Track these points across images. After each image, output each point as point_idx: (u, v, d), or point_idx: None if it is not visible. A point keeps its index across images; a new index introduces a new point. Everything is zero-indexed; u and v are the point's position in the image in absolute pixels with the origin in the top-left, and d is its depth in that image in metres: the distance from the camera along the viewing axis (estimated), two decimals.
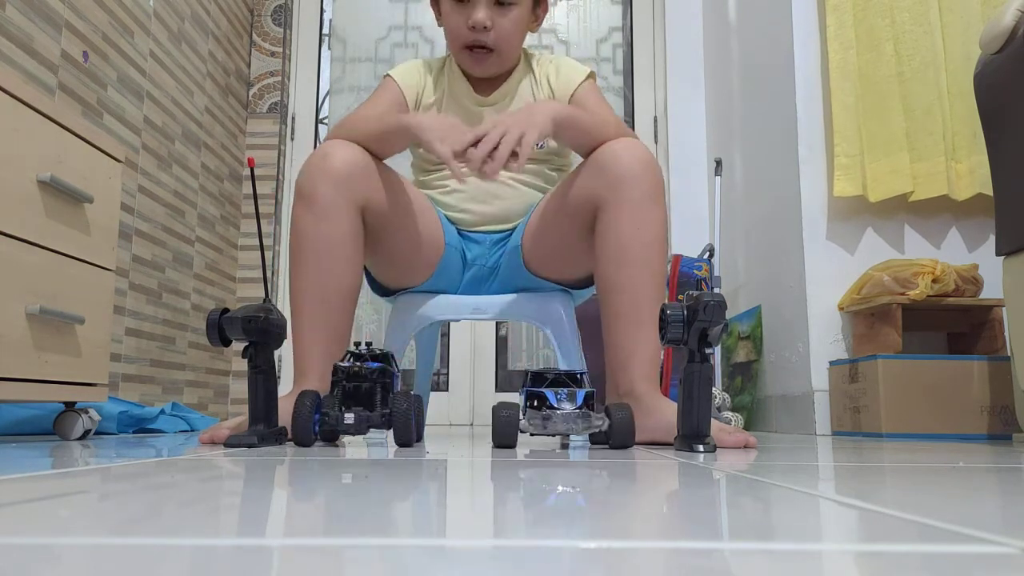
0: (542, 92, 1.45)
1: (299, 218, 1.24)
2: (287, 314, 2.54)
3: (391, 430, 1.03)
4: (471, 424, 2.92)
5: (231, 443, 0.99)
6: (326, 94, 3.18)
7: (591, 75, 1.44)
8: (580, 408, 1.01)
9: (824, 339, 2.10)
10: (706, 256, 2.44)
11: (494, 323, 3.03)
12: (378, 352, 1.06)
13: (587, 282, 1.46)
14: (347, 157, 1.24)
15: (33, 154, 1.15)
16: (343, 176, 1.23)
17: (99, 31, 1.92)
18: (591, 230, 1.29)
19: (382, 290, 1.50)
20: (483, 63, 1.40)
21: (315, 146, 3.13)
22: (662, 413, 1.15)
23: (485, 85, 1.45)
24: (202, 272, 2.57)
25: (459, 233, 1.45)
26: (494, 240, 1.45)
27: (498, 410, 1.01)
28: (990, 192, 1.87)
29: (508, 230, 1.45)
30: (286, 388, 1.27)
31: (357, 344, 1.07)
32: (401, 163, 1.45)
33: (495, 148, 1.16)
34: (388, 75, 1.44)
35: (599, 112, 1.36)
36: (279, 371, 2.68)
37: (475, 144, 1.18)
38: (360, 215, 1.26)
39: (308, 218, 1.23)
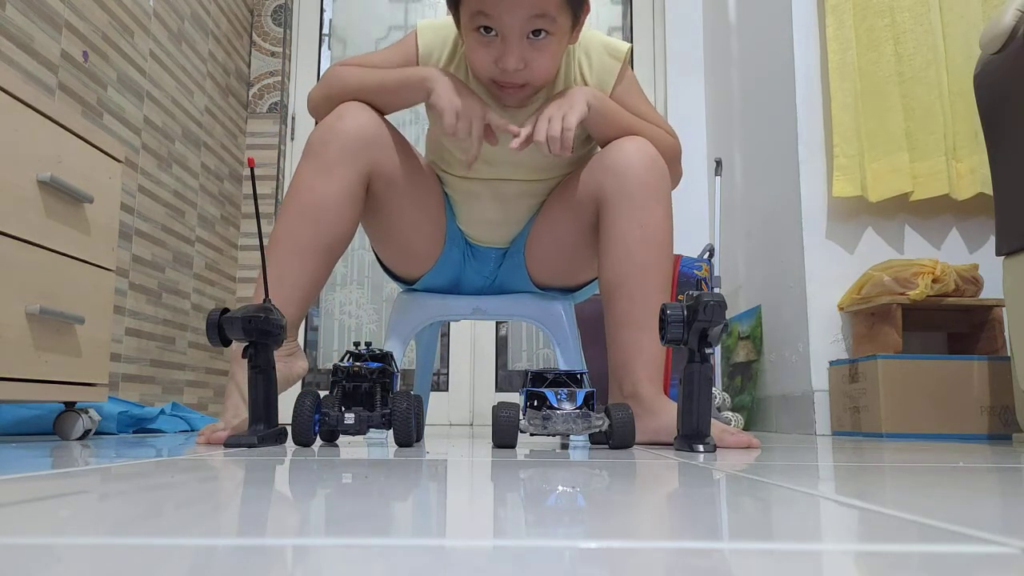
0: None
1: (299, 171, 1.22)
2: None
3: (391, 430, 1.03)
4: (471, 424, 2.92)
5: (231, 443, 0.99)
6: None
7: (626, 60, 1.31)
8: (580, 408, 1.01)
9: (824, 339, 2.10)
10: (706, 256, 2.44)
11: (494, 323, 3.03)
12: (378, 352, 1.06)
13: (583, 285, 1.46)
14: (361, 121, 1.21)
15: (33, 154, 1.15)
16: (353, 138, 1.20)
17: (99, 31, 1.92)
18: (594, 229, 1.28)
19: (396, 277, 1.48)
20: (514, 98, 1.24)
21: None
22: (665, 414, 1.15)
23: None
24: (202, 272, 2.57)
25: (466, 242, 1.44)
26: (498, 253, 1.44)
27: (498, 410, 1.01)
28: (991, 191, 1.87)
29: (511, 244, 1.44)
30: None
31: (357, 344, 1.07)
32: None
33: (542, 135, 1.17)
34: (416, 33, 1.31)
35: (637, 109, 1.29)
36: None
37: (487, 138, 1.21)
38: (363, 180, 1.23)
39: (307, 171, 1.20)
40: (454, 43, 1.29)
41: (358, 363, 1.05)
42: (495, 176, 1.34)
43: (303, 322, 1.29)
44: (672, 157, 1.29)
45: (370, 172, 1.23)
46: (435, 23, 1.31)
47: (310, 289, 1.22)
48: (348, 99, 1.25)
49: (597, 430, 1.01)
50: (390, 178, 1.26)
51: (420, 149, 1.40)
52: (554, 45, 1.18)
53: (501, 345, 3.06)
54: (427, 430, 1.87)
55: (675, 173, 1.31)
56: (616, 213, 1.22)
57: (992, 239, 1.88)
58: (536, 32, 1.15)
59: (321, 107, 1.28)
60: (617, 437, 1.02)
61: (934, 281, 1.90)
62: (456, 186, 1.38)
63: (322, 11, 3.21)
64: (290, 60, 3.11)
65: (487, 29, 1.15)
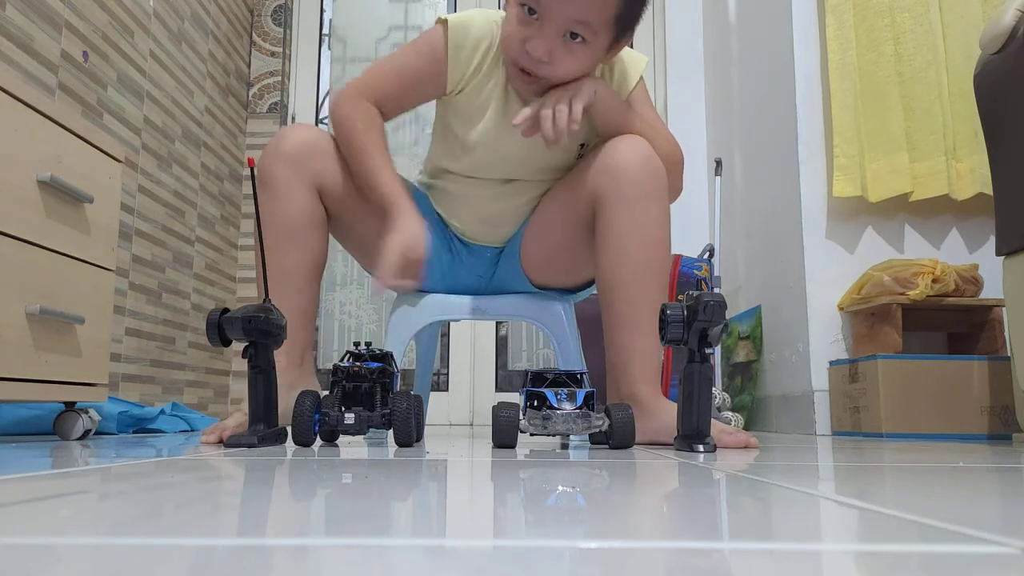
0: None
1: (259, 203, 1.23)
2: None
3: (391, 430, 1.03)
4: (471, 424, 2.92)
5: (231, 443, 0.99)
6: (326, 94, 3.18)
7: (643, 71, 1.35)
8: (580, 408, 1.01)
9: (824, 339, 2.10)
10: (706, 256, 2.44)
11: (494, 323, 3.03)
12: (378, 352, 1.06)
13: (585, 285, 1.46)
14: (300, 138, 1.25)
15: (33, 154, 1.15)
16: (294, 156, 1.23)
17: (99, 31, 1.92)
18: (590, 229, 1.28)
19: None
20: (530, 87, 1.24)
21: None
22: (663, 415, 1.15)
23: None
24: (202, 272, 2.57)
25: (459, 240, 1.43)
26: (494, 252, 1.44)
27: (498, 410, 1.01)
28: (991, 191, 1.87)
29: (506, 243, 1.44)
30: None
31: (357, 344, 1.07)
32: (402, 160, 1.40)
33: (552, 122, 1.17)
34: (447, 30, 1.26)
35: (645, 116, 1.30)
36: None
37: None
38: (315, 194, 1.26)
39: (265, 199, 1.23)
40: (488, 40, 1.28)
41: (358, 363, 1.05)
42: (500, 176, 1.35)
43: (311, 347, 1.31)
44: (672, 166, 1.28)
45: (318, 184, 1.26)
46: (464, 19, 1.29)
47: (309, 310, 1.25)
48: (343, 148, 1.26)
49: (597, 430, 1.01)
50: (341, 186, 1.27)
51: (421, 149, 1.39)
52: (583, 54, 1.19)
53: (501, 345, 3.06)
54: (427, 430, 1.87)
55: (675, 186, 1.30)
56: (611, 213, 1.21)
57: (992, 239, 1.88)
58: (574, 35, 1.17)
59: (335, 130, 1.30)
60: (617, 437, 1.02)
61: (934, 281, 1.90)
62: (459, 183, 1.37)
63: (322, 11, 3.21)
64: (290, 60, 3.11)
65: (531, 10, 1.16)
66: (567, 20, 1.15)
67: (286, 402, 1.15)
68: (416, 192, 1.40)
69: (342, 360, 1.06)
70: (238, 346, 1.02)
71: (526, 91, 1.26)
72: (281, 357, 1.19)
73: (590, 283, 1.45)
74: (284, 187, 1.23)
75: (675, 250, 2.80)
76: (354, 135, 1.25)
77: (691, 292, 0.99)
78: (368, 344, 1.07)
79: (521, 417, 1.02)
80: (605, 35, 1.19)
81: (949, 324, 2.04)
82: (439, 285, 1.45)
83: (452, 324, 2.96)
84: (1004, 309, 1.69)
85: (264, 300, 1.03)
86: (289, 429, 1.12)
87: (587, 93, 1.20)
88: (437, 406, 2.92)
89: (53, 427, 1.30)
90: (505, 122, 1.27)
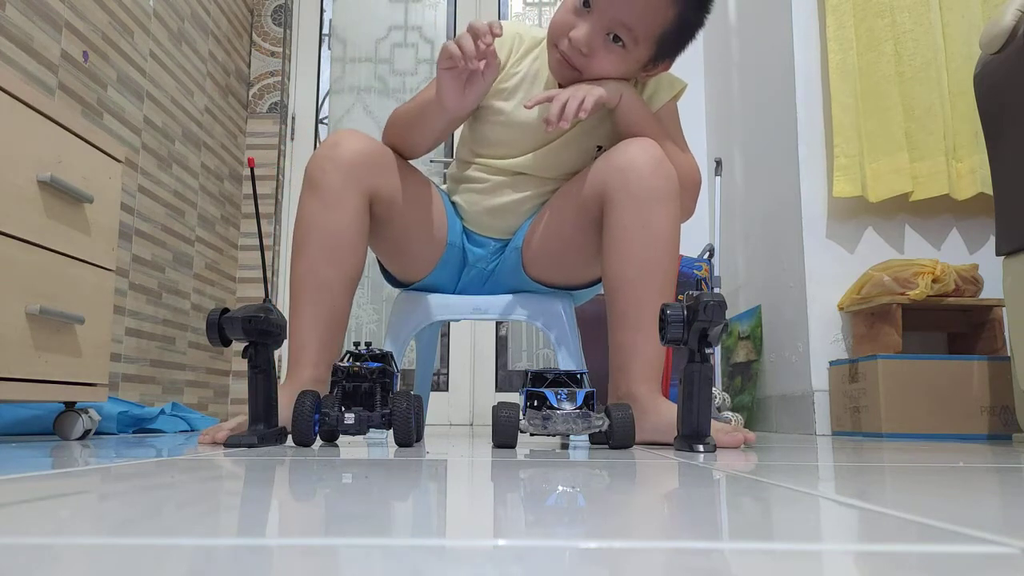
0: None
1: (305, 205, 1.25)
2: (286, 306, 2.54)
3: (391, 430, 1.03)
4: (471, 424, 2.92)
5: (231, 443, 0.99)
6: (326, 94, 3.18)
7: (677, 95, 1.37)
8: (580, 408, 1.01)
9: (824, 339, 2.10)
10: (706, 256, 2.44)
11: (494, 323, 3.03)
12: (378, 352, 1.06)
13: (588, 284, 1.46)
14: (356, 147, 1.26)
15: (33, 154, 1.15)
16: (351, 165, 1.24)
17: (99, 31, 1.92)
18: (597, 227, 1.28)
19: (394, 280, 1.50)
20: (563, 74, 1.28)
21: (315, 146, 3.13)
22: (662, 414, 1.15)
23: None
24: (202, 272, 2.57)
25: (465, 233, 1.44)
26: (497, 245, 1.45)
27: (498, 410, 1.01)
28: (991, 191, 1.87)
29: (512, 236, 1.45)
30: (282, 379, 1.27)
31: (357, 344, 1.07)
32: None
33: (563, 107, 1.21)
34: None
35: (671, 134, 1.32)
36: (279, 371, 2.69)
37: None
38: (367, 204, 1.27)
39: (315, 205, 1.24)
40: (529, 39, 1.37)
41: (358, 363, 1.04)
42: (515, 168, 1.36)
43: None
44: (687, 185, 1.29)
45: (371, 196, 1.27)
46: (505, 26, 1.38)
47: (341, 322, 1.26)
48: (395, 137, 1.34)
49: (597, 430, 1.01)
50: (390, 199, 1.30)
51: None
52: (620, 57, 1.24)
53: (501, 345, 3.06)
54: (427, 430, 1.87)
55: (687, 207, 1.32)
56: (618, 211, 1.22)
57: (992, 239, 1.88)
58: (617, 38, 1.23)
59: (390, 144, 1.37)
60: (617, 437, 1.02)
61: (934, 281, 1.90)
62: (474, 169, 1.40)
63: (322, 11, 3.21)
64: (290, 60, 3.11)
65: (587, 2, 1.22)
66: (614, 20, 1.21)
67: None
68: (442, 193, 1.44)
69: (342, 360, 1.06)
70: (238, 346, 1.02)
71: (562, 78, 1.29)
72: (308, 369, 1.20)
73: (593, 283, 1.45)
74: (337, 195, 1.23)
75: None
76: (399, 118, 1.33)
77: (691, 292, 0.99)
78: (368, 344, 1.07)
79: (521, 417, 1.02)
80: (645, 48, 1.24)
81: (949, 324, 2.04)
82: (440, 278, 1.45)
83: (452, 324, 2.96)
84: (1004, 309, 1.69)
85: (264, 300, 1.03)
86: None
87: (611, 92, 1.24)
88: (437, 406, 2.92)
89: (53, 427, 1.30)
90: (531, 96, 1.31)
